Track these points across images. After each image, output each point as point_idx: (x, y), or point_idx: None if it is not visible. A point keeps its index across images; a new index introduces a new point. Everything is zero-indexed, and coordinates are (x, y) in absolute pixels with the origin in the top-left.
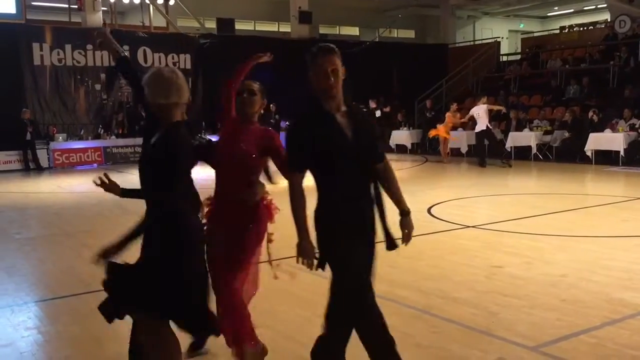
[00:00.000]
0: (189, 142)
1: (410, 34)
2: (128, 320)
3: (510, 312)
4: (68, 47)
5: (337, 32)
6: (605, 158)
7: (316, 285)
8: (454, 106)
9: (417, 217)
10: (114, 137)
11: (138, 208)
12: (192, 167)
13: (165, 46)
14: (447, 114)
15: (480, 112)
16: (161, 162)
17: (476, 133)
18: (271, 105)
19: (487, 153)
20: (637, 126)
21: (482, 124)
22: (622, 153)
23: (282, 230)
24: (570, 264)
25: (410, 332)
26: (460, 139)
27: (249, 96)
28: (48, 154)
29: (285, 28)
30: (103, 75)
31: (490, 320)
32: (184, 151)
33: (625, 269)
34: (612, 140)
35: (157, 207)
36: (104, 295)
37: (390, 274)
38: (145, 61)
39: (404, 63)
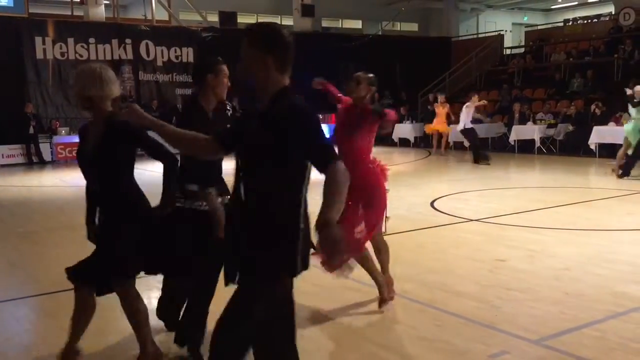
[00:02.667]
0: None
1: (413, 27)
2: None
3: (514, 305)
4: (70, 40)
5: (340, 26)
6: (609, 151)
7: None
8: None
9: (420, 210)
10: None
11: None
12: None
13: (168, 40)
14: (435, 105)
15: (463, 109)
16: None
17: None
18: None
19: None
20: None
21: (461, 122)
22: None
23: None
24: (573, 257)
25: (414, 325)
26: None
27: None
28: (51, 148)
29: (287, 21)
30: None
31: (493, 314)
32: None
33: (629, 263)
34: (616, 133)
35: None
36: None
37: (394, 267)
38: (148, 55)
39: (407, 56)
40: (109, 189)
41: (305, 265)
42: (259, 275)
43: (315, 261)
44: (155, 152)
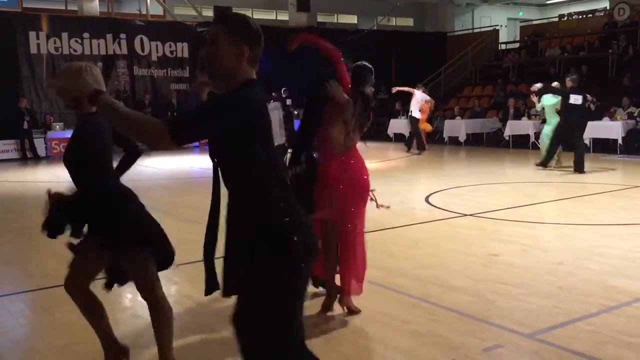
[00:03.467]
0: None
1: (408, 22)
2: (123, 309)
3: (507, 299)
4: (65, 35)
5: (335, 20)
6: (604, 146)
7: None
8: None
9: (415, 205)
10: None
11: (144, 199)
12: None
13: (162, 35)
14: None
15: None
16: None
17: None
18: (273, 93)
19: (408, 140)
20: (635, 114)
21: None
22: (620, 141)
23: None
24: (566, 251)
25: (408, 320)
26: (459, 127)
27: None
28: (45, 143)
29: (283, 16)
30: (100, 64)
31: (487, 308)
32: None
33: (621, 257)
34: (610, 128)
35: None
36: (101, 284)
37: (388, 262)
38: (142, 50)
39: (403, 51)
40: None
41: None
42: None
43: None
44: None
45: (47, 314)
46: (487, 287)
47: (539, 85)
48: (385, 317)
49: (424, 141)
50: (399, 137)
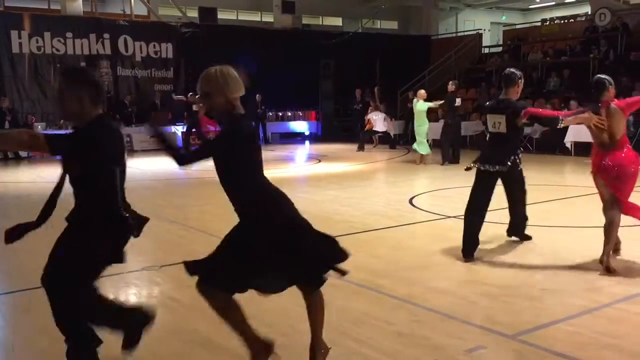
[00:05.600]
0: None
1: (393, 24)
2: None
3: (490, 300)
4: (47, 34)
5: (320, 23)
6: (585, 150)
7: None
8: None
9: (399, 207)
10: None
11: (129, 200)
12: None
13: (147, 35)
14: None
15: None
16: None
17: None
18: (257, 95)
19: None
20: None
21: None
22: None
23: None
24: (549, 253)
25: (391, 321)
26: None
27: None
28: None
29: (268, 18)
30: (83, 64)
31: (470, 309)
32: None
33: None
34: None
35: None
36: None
37: (372, 263)
38: (126, 50)
39: (387, 54)
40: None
41: None
42: None
43: None
44: None
45: (26, 314)
46: (470, 288)
47: None
48: (369, 318)
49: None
50: (383, 139)
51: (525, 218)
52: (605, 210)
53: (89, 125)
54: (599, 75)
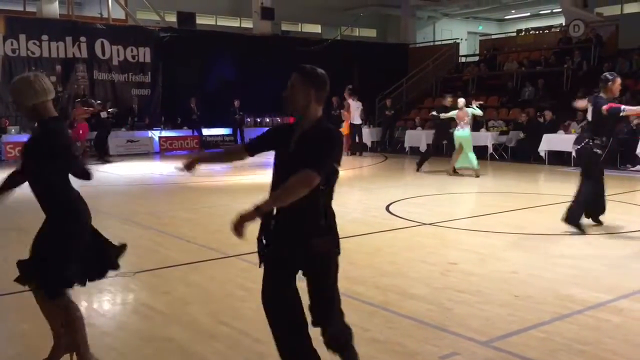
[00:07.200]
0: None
1: (371, 32)
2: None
3: (464, 307)
4: (22, 37)
5: (299, 30)
6: (558, 159)
7: None
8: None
9: (375, 214)
10: (68, 130)
11: (102, 205)
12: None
13: (124, 39)
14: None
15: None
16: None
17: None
18: (235, 101)
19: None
20: None
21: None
22: (573, 154)
23: None
24: (522, 260)
25: (366, 327)
26: (419, 137)
27: None
28: (0, 147)
29: (247, 24)
30: (59, 67)
31: (444, 316)
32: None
33: (574, 266)
34: (565, 141)
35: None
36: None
37: (348, 270)
38: (103, 53)
39: (365, 62)
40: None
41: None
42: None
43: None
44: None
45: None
46: (445, 295)
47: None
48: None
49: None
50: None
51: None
52: None
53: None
54: None
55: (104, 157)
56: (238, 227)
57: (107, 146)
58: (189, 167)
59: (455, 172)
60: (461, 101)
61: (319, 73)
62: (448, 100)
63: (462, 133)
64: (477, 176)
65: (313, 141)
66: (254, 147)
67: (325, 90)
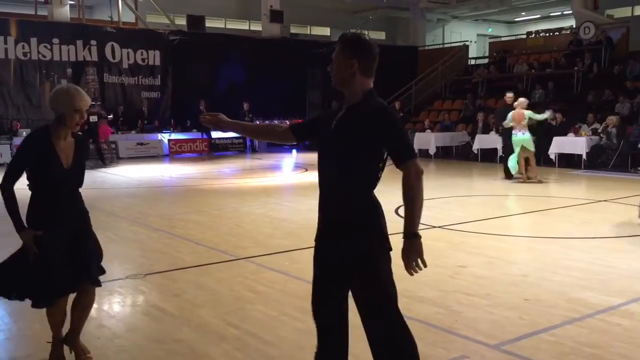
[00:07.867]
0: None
1: (380, 35)
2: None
3: (474, 311)
4: (34, 40)
5: (308, 32)
6: (568, 161)
7: (281, 283)
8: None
9: (385, 216)
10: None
11: (113, 207)
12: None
13: (134, 42)
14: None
15: None
16: None
17: None
18: (244, 104)
19: None
20: (599, 131)
21: None
22: (584, 157)
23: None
24: (532, 264)
25: None
26: (428, 140)
27: None
28: (11, 150)
29: (256, 27)
30: (69, 70)
31: (453, 319)
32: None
33: (584, 269)
34: (575, 144)
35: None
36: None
37: None
38: (114, 57)
39: None
40: None
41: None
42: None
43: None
44: None
45: (11, 323)
46: (454, 298)
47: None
48: (352, 327)
49: None
50: None
51: None
52: None
53: None
54: None
55: (104, 160)
56: (422, 263)
57: (101, 149)
58: (214, 123)
59: (528, 178)
60: (521, 101)
61: (362, 39)
62: (508, 97)
63: (521, 137)
64: (529, 179)
65: (364, 120)
66: (299, 130)
67: (372, 60)
